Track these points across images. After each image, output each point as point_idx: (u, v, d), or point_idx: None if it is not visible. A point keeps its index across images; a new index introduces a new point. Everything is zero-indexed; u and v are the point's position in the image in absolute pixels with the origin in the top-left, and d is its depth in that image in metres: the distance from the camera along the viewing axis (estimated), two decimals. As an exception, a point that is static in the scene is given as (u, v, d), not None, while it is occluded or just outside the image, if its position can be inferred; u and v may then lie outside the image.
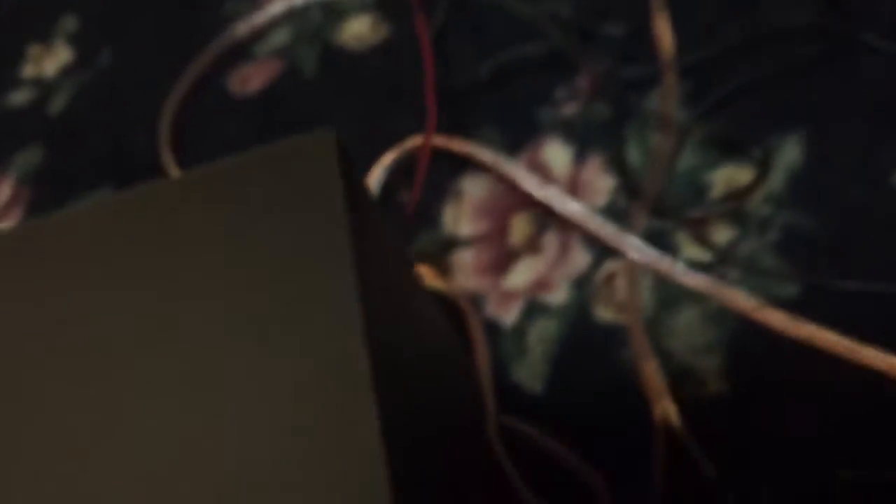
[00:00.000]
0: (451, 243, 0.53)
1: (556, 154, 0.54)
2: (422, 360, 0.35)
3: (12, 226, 0.60)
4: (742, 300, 0.46)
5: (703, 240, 0.49)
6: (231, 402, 0.26)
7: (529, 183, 0.50)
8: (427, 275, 0.52)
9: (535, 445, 0.45)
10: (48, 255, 0.31)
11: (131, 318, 0.29)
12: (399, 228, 0.54)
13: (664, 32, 0.54)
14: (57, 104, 0.68)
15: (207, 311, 0.28)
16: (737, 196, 0.48)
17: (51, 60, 0.71)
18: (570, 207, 0.49)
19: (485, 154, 0.51)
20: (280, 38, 0.65)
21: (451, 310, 0.51)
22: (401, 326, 0.33)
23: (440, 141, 0.53)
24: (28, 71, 0.71)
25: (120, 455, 0.26)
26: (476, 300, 0.51)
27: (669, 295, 0.48)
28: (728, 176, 0.50)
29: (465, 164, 0.55)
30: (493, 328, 0.50)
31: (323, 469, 0.24)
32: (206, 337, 0.28)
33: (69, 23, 0.73)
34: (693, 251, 0.49)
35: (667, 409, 0.44)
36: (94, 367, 0.28)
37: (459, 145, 0.52)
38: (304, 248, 0.29)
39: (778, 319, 0.45)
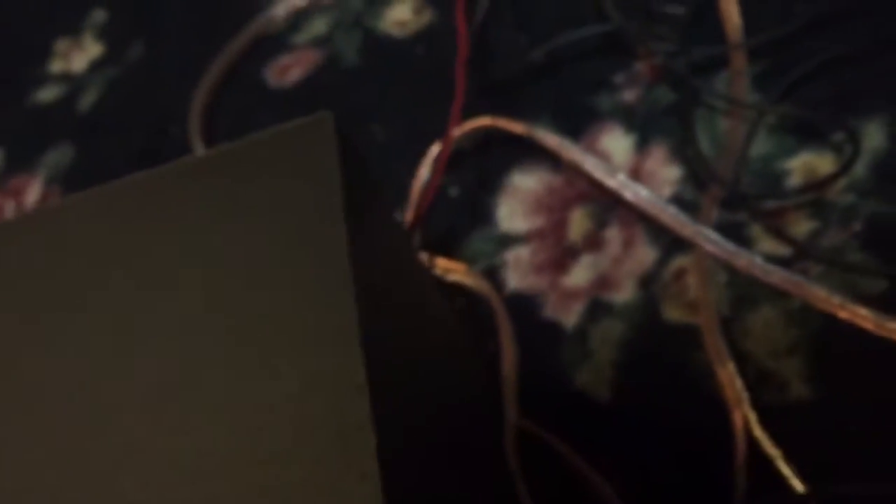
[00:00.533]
0: (506, 240, 0.50)
1: (617, 142, 0.50)
2: (421, 354, 0.33)
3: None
4: (825, 297, 0.43)
5: (780, 233, 0.45)
6: (215, 401, 0.25)
7: (596, 168, 0.47)
8: (455, 270, 0.49)
9: (556, 458, 0.42)
10: (60, 239, 0.30)
11: (132, 296, 0.28)
12: (446, 223, 0.51)
13: (731, 11, 0.50)
14: (87, 100, 0.66)
15: (194, 300, 0.27)
16: (817, 185, 0.45)
17: (80, 55, 0.69)
18: (641, 194, 0.46)
19: (549, 138, 0.47)
20: (318, 26, 0.62)
21: (475, 309, 0.48)
22: (401, 315, 0.31)
23: (502, 123, 0.50)
24: (56, 66, 0.69)
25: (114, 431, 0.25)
26: (533, 300, 0.48)
27: (746, 292, 0.44)
28: (806, 163, 0.46)
29: (518, 157, 0.52)
30: (552, 330, 0.47)
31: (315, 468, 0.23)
32: (192, 325, 0.27)
33: (98, 16, 0.70)
34: (770, 245, 0.45)
35: (747, 416, 0.41)
36: (95, 348, 0.27)
37: (520, 127, 0.49)
38: (299, 232, 0.27)
39: (865, 317, 0.41)
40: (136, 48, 0.67)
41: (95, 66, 0.67)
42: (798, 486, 0.37)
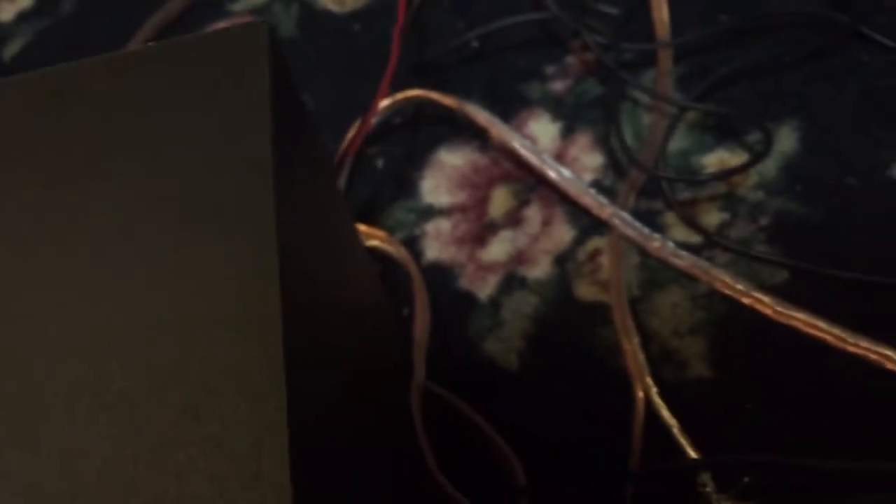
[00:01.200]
0: (429, 212, 0.50)
1: (543, 128, 0.52)
2: (338, 291, 0.32)
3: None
4: (730, 283, 0.44)
5: (692, 222, 0.47)
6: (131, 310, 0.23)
7: (522, 146, 0.48)
8: (374, 236, 0.49)
9: (460, 418, 0.42)
10: None
11: (54, 191, 0.27)
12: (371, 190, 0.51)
13: (662, 13, 0.53)
14: (11, 50, 0.64)
15: (114, 202, 0.26)
16: (727, 173, 0.46)
17: (8, 6, 0.67)
18: (563, 174, 0.47)
19: (479, 114, 0.48)
20: (258, -4, 0.62)
21: (393, 275, 0.48)
22: (317, 238, 0.30)
23: (433, 95, 0.50)
24: (-17, 14, 0.67)
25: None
26: (449, 271, 0.48)
27: (656, 275, 0.46)
28: (722, 160, 0.48)
29: (445, 135, 0.53)
30: (466, 300, 0.47)
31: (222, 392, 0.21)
32: (112, 231, 0.25)
33: (32, -31, 0.69)
34: (682, 233, 0.47)
35: (647, 387, 0.42)
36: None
37: (451, 101, 0.50)
38: (225, 140, 0.26)
39: (766, 304, 0.43)
40: (66, 3, 0.66)
41: (23, 17, 0.66)
42: (691, 453, 0.38)
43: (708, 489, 0.36)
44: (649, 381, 0.41)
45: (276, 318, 0.21)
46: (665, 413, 0.40)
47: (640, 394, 0.41)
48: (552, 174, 0.48)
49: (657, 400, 0.40)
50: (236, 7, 0.62)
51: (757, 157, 0.45)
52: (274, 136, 0.25)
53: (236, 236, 0.23)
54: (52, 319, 0.23)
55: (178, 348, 0.22)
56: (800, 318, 0.42)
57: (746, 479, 0.36)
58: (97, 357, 0.22)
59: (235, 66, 0.27)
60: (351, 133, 0.51)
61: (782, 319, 0.43)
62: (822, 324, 0.42)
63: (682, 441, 0.39)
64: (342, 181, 0.51)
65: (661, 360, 0.43)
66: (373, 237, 0.49)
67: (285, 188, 0.26)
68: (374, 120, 0.51)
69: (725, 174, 0.46)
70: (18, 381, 0.22)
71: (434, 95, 0.51)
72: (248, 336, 0.21)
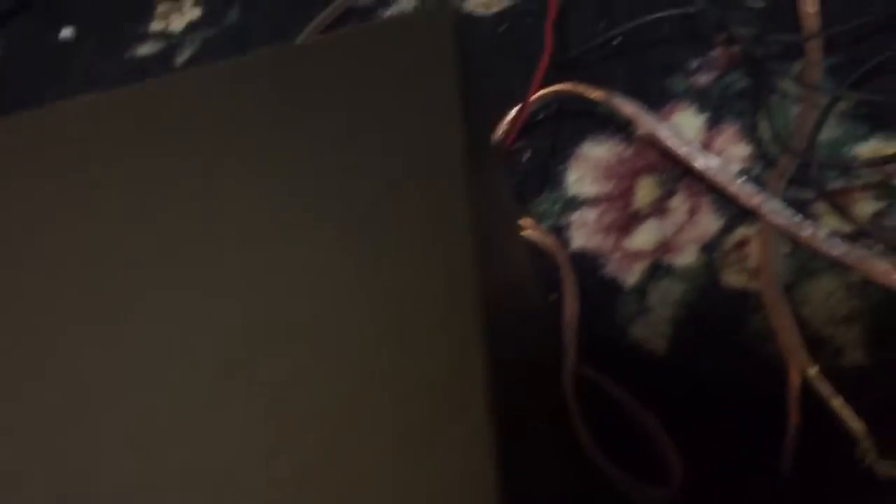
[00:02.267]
0: (574, 202, 0.52)
1: (689, 120, 0.52)
2: (509, 289, 0.33)
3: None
4: (887, 271, 0.43)
5: (844, 211, 0.46)
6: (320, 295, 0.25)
7: (668, 135, 0.49)
8: (524, 226, 0.50)
9: (614, 401, 0.43)
10: (162, 116, 0.30)
11: (241, 177, 0.28)
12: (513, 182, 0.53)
13: (809, 5, 0.52)
14: (182, 57, 0.70)
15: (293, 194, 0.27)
16: (881, 161, 0.46)
17: (179, 17, 0.73)
18: (711, 163, 0.47)
19: (626, 105, 0.49)
20: (407, 2, 0.65)
21: (541, 263, 0.50)
22: (498, 230, 0.31)
23: (581, 88, 0.52)
24: (156, 26, 0.73)
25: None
26: (596, 259, 0.49)
27: (808, 263, 0.45)
28: (875, 150, 0.48)
29: (590, 128, 0.54)
30: (613, 286, 0.48)
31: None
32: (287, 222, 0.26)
33: (198, -15, 0.75)
34: (834, 222, 0.46)
35: (804, 365, 0.41)
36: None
37: (599, 93, 0.51)
38: (413, 134, 0.27)
39: (927, 293, 0.42)
40: (231, 14, 0.71)
41: (192, 27, 0.71)
42: (857, 425, 0.37)
43: (870, 456, 0.36)
44: (806, 358, 0.40)
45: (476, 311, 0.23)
46: (825, 388, 0.39)
47: (797, 372, 0.41)
48: (699, 163, 0.48)
49: (816, 376, 0.40)
50: (387, 13, 0.65)
51: (914, 145, 0.45)
52: (465, 128, 0.26)
53: (432, 236, 0.25)
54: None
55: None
56: (963, 307, 0.41)
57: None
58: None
59: (420, 53, 0.29)
60: (504, 127, 0.53)
61: (943, 308, 0.42)
62: None
63: (844, 414, 0.39)
64: (491, 173, 0.53)
65: (816, 348, 0.43)
66: (522, 227, 0.51)
67: (476, 183, 0.26)
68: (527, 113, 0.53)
69: (880, 161, 0.45)
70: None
71: (581, 88, 0.52)
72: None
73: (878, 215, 0.46)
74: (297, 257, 0.25)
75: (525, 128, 0.55)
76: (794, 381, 0.40)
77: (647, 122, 0.50)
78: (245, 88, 0.30)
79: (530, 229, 0.50)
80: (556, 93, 0.53)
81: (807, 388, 0.40)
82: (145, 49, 0.71)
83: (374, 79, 0.29)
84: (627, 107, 0.50)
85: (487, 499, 0.20)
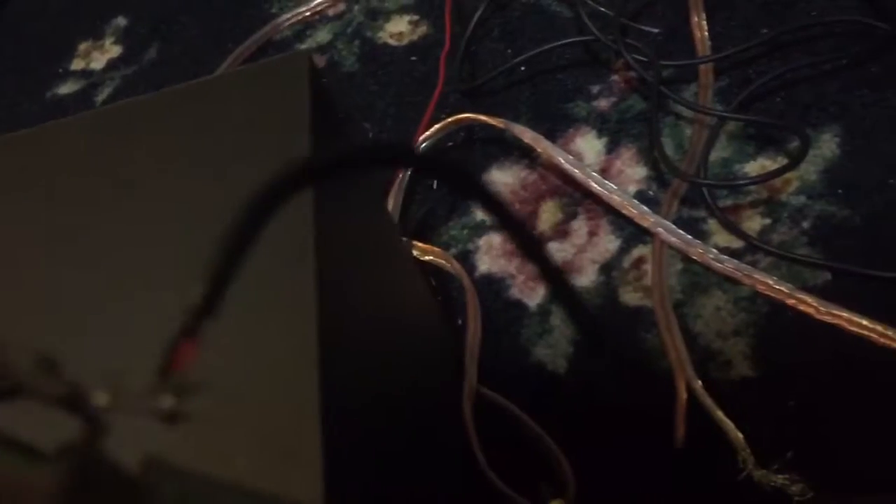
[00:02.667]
0: (481, 227, 0.53)
1: (590, 144, 0.54)
2: (382, 301, 0.34)
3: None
4: (773, 285, 0.45)
5: (734, 228, 0.48)
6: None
7: (566, 161, 0.50)
8: (430, 252, 0.52)
9: (511, 421, 0.44)
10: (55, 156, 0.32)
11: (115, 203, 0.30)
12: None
13: (702, 30, 0.54)
14: (103, 94, 0.70)
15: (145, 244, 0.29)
16: (766, 177, 0.48)
17: (100, 55, 0.73)
18: (608, 187, 0.49)
19: (525, 133, 0.51)
20: (323, 35, 0.67)
21: (448, 288, 0.51)
22: (357, 255, 0.32)
23: (481, 117, 0.53)
24: (77, 65, 0.74)
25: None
26: (501, 282, 0.51)
27: (699, 280, 0.47)
28: (762, 168, 0.50)
29: (496, 155, 0.56)
30: (517, 308, 0.49)
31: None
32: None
33: (119, 22, 0.75)
34: (725, 238, 0.48)
35: (690, 380, 0.43)
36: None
37: (499, 122, 0.53)
38: (264, 159, 0.28)
39: (808, 303, 0.44)
40: (150, 51, 0.72)
41: (112, 65, 0.72)
42: (737, 437, 0.39)
43: (749, 465, 0.38)
44: (692, 373, 0.42)
45: (311, 315, 0.24)
46: (708, 401, 0.41)
47: (683, 386, 0.43)
48: (596, 187, 0.50)
49: (700, 390, 0.42)
50: (303, 46, 0.67)
51: (795, 160, 0.47)
52: (312, 148, 0.28)
53: (273, 251, 0.26)
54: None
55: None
56: (843, 317, 0.43)
57: (790, 455, 0.37)
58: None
59: (276, 94, 0.31)
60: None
61: (825, 318, 0.44)
62: (865, 321, 0.43)
63: (726, 426, 0.40)
64: (399, 203, 0.54)
65: (706, 361, 0.44)
66: (429, 253, 0.52)
67: (325, 206, 0.28)
68: (425, 143, 0.55)
69: (764, 178, 0.47)
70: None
71: (482, 117, 0.54)
72: (285, 334, 0.24)
73: (764, 231, 0.48)
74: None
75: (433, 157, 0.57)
76: (681, 395, 0.42)
77: (545, 148, 0.51)
78: (116, 133, 0.32)
79: (437, 256, 0.52)
80: (457, 122, 0.54)
81: (692, 403, 0.42)
82: (66, 88, 0.72)
83: (230, 123, 0.31)
84: (526, 134, 0.52)
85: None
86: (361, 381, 0.28)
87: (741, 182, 0.48)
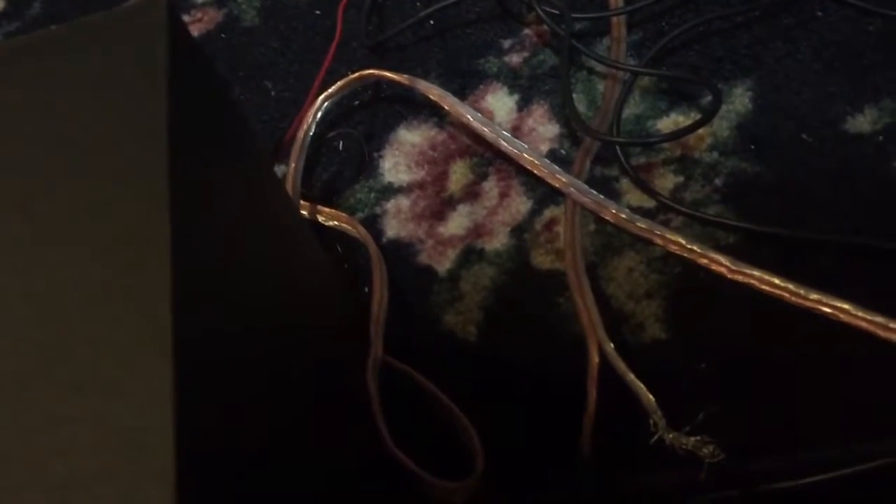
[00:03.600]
0: (389, 190, 0.51)
1: (501, 101, 0.52)
2: (261, 270, 0.32)
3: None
4: (685, 245, 0.44)
5: (646, 187, 0.47)
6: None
7: (475, 120, 0.48)
8: (336, 217, 0.49)
9: (419, 392, 0.43)
10: None
11: None
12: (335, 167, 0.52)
13: (613, -19, 0.53)
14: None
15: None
16: (677, 134, 0.46)
17: (-20, 10, 0.68)
18: (518, 146, 0.47)
19: (432, 90, 0.48)
20: (219, -13, 0.63)
21: (355, 255, 0.49)
22: (226, 214, 0.30)
23: (385, 73, 0.51)
24: (-45, 20, 0.68)
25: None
26: (409, 247, 0.49)
27: (612, 241, 0.46)
28: (675, 124, 0.48)
29: (403, 115, 0.53)
30: (426, 275, 0.47)
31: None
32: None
33: (3, -25, 0.70)
34: (637, 198, 0.47)
35: (602, 344, 0.42)
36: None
37: (403, 78, 0.50)
38: (121, 112, 0.26)
39: (720, 263, 0.43)
40: (35, 6, 0.67)
41: (-5, 21, 0.67)
42: (649, 399, 0.38)
43: (660, 428, 0.37)
44: (604, 336, 0.41)
45: (165, 292, 0.22)
46: (620, 364, 0.40)
47: (595, 351, 0.41)
48: (506, 146, 0.48)
49: (612, 353, 0.40)
50: (199, 0, 0.63)
51: (706, 116, 0.45)
52: (170, 109, 0.25)
53: (126, 204, 0.24)
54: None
55: (64, 325, 0.22)
56: (755, 276, 0.42)
57: (701, 416, 0.36)
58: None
59: (132, 44, 0.27)
60: (307, 115, 0.51)
61: (738, 278, 0.43)
62: (777, 280, 0.42)
63: (638, 389, 0.39)
64: (300, 165, 0.51)
65: (618, 324, 0.43)
66: (334, 218, 0.50)
67: (183, 164, 0.25)
68: (328, 102, 0.52)
69: (675, 135, 0.46)
70: None
71: (387, 73, 0.51)
72: (135, 312, 0.22)
73: (677, 189, 0.47)
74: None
75: (338, 116, 0.54)
76: (593, 359, 0.41)
77: (453, 105, 0.49)
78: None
79: (342, 221, 0.49)
80: (361, 78, 0.52)
81: (604, 368, 0.41)
82: (-57, 45, 0.66)
83: (83, 76, 0.28)
84: (433, 91, 0.49)
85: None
86: (235, 366, 0.25)
87: (654, 140, 0.47)
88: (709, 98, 0.48)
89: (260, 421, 0.26)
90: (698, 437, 0.36)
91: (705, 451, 0.36)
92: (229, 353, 0.25)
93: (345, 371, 0.41)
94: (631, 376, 0.39)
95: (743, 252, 0.44)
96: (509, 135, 0.49)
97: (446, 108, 0.50)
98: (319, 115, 0.52)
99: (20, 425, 0.21)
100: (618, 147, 0.48)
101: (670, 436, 0.37)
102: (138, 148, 0.25)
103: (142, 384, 0.21)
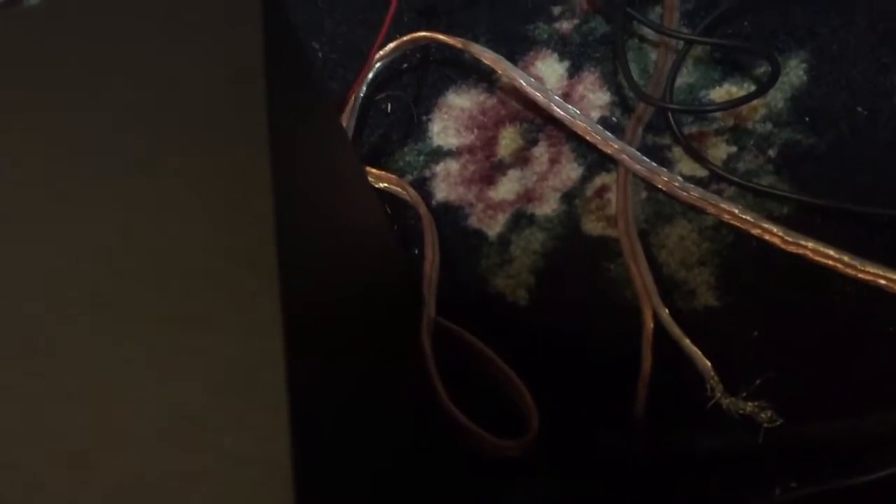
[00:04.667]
0: (438, 154, 0.51)
1: (550, 68, 0.52)
2: (339, 222, 0.32)
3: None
4: (738, 214, 0.44)
5: (699, 156, 0.47)
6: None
7: (528, 84, 0.48)
8: (385, 179, 0.49)
9: (471, 353, 0.43)
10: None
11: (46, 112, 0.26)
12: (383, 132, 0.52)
13: (667, -52, 0.52)
14: None
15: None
16: (734, 103, 0.46)
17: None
18: (570, 111, 0.47)
19: (485, 53, 0.48)
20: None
21: (404, 216, 0.49)
22: (313, 167, 0.30)
23: (439, 36, 0.51)
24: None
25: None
26: (459, 210, 0.49)
27: (664, 209, 0.46)
28: (728, 94, 0.48)
29: (453, 78, 0.53)
30: (476, 238, 0.48)
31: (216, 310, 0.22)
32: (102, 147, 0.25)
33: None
34: (689, 167, 0.47)
35: (657, 308, 0.42)
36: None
37: (457, 41, 0.50)
38: (215, 62, 0.26)
39: (773, 233, 0.43)
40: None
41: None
42: (705, 364, 0.38)
43: (717, 392, 0.37)
44: (658, 301, 0.41)
45: (268, 230, 0.22)
46: (675, 330, 0.40)
47: (650, 316, 0.42)
48: (559, 112, 0.48)
49: (667, 319, 0.41)
50: (244, -41, 0.62)
51: (763, 86, 0.45)
52: (266, 58, 0.25)
53: (227, 148, 0.24)
54: (42, 232, 0.24)
55: (168, 257, 0.22)
56: (808, 247, 0.43)
57: (758, 382, 0.36)
58: (91, 269, 0.23)
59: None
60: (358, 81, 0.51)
61: (791, 248, 0.43)
62: (831, 251, 0.42)
63: (693, 353, 0.39)
64: (351, 126, 0.51)
65: (670, 291, 0.43)
66: (383, 180, 0.50)
67: (279, 109, 0.26)
68: (378, 64, 0.52)
69: (731, 104, 0.46)
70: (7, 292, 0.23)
71: (440, 36, 0.51)
72: (241, 247, 0.22)
73: (730, 159, 0.47)
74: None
75: (388, 78, 0.54)
76: (648, 324, 0.41)
77: (506, 69, 0.49)
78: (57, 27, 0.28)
79: (392, 183, 0.49)
80: (413, 41, 0.51)
81: (660, 332, 0.41)
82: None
83: (178, 26, 0.28)
84: (486, 55, 0.49)
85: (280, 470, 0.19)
86: (322, 311, 0.26)
87: (710, 108, 0.47)
88: (762, 69, 0.48)
89: (356, 362, 0.26)
90: (756, 403, 0.37)
91: (763, 416, 0.36)
92: (328, 289, 0.25)
93: (403, 328, 0.41)
94: (686, 341, 0.40)
95: (796, 223, 0.44)
96: (560, 100, 0.49)
97: (499, 71, 0.50)
98: (370, 76, 0.52)
99: (125, 359, 0.22)
100: (671, 115, 0.48)
101: (727, 401, 0.37)
102: (236, 85, 0.25)
103: (249, 318, 0.21)
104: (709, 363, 0.38)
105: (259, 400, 0.20)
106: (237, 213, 0.23)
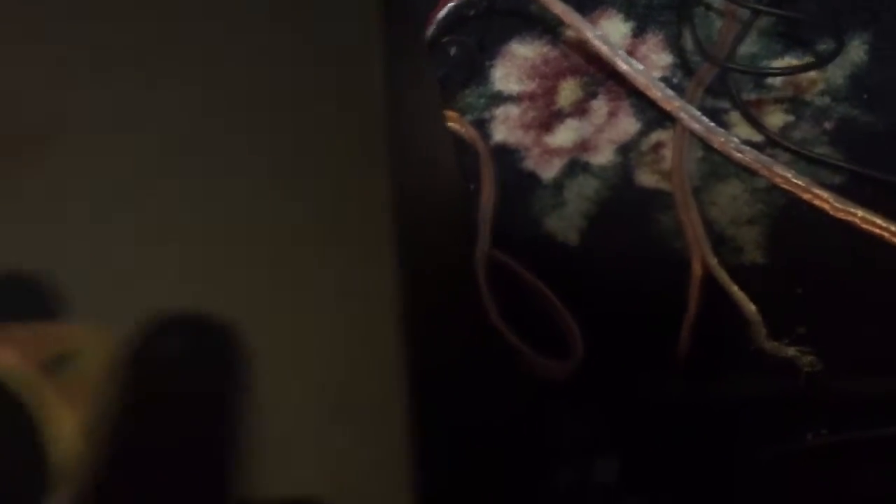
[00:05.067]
0: (498, 98, 0.52)
1: (615, 26, 0.53)
2: (428, 170, 0.34)
3: None
4: (790, 179, 0.45)
5: (756, 121, 0.48)
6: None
7: (594, 36, 0.49)
8: (447, 118, 0.50)
9: (521, 284, 0.44)
10: None
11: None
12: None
13: (740, -78, 0.53)
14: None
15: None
16: (796, 84, 0.47)
17: None
18: (633, 65, 0.48)
19: (556, 4, 0.49)
20: None
21: (462, 153, 0.50)
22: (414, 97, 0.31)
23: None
24: None
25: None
26: (516, 153, 0.50)
27: (718, 168, 0.47)
28: (788, 66, 0.49)
29: (518, 28, 0.54)
30: (530, 180, 0.49)
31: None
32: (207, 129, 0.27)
33: None
34: (745, 131, 0.48)
35: (708, 261, 0.43)
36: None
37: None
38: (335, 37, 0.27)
39: (824, 199, 0.44)
40: None
41: None
42: (751, 309, 0.39)
43: (761, 337, 0.38)
44: (708, 249, 0.42)
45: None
46: (724, 276, 0.41)
47: (699, 264, 0.43)
48: (622, 65, 0.49)
49: (716, 267, 0.42)
50: None
51: (826, 57, 0.46)
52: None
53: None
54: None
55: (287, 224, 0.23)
56: (857, 215, 0.44)
57: (802, 330, 0.37)
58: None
59: None
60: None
61: (840, 215, 0.44)
62: (879, 220, 0.43)
63: (740, 298, 0.40)
64: (417, 62, 0.52)
65: (717, 246, 0.45)
66: (446, 118, 0.51)
67: (395, 69, 0.27)
68: (448, 6, 0.53)
69: (793, 69, 0.47)
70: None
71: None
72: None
73: (786, 127, 0.48)
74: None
75: (453, 23, 0.55)
76: (697, 271, 0.42)
77: (574, 21, 0.50)
78: None
79: (453, 121, 0.50)
80: (485, -16, 0.53)
81: (707, 280, 0.42)
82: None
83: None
84: (557, 5, 0.50)
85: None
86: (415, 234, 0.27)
87: (772, 71, 0.48)
88: (824, 46, 0.49)
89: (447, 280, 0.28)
90: (798, 348, 0.38)
91: (805, 360, 0.37)
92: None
93: (459, 253, 0.42)
94: (734, 287, 0.41)
95: (846, 192, 0.45)
96: (624, 53, 0.50)
97: (566, 22, 0.51)
98: (440, 16, 0.53)
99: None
100: (731, 79, 0.49)
101: (770, 344, 0.38)
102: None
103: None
104: (754, 307, 0.39)
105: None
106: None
